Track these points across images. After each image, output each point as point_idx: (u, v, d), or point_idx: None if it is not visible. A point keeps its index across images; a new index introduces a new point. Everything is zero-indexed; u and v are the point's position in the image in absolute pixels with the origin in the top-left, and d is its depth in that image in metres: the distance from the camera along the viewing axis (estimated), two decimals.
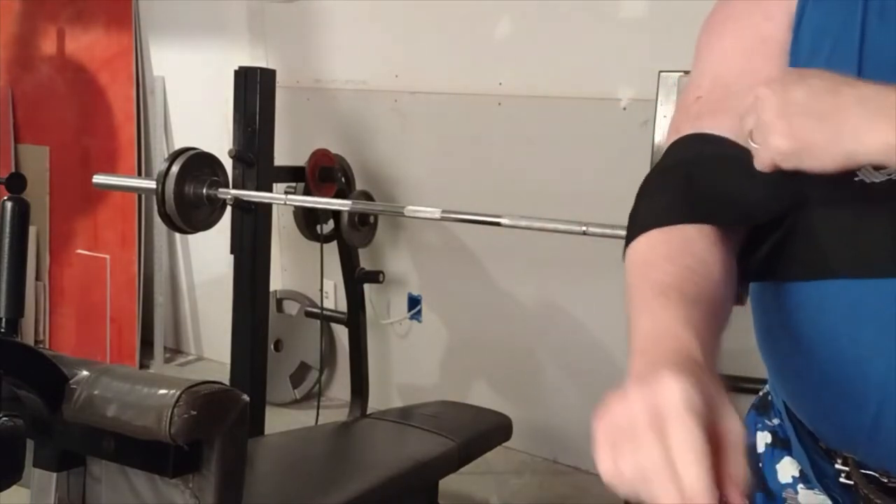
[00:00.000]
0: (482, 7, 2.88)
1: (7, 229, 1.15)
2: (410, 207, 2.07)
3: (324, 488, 1.78)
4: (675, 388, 0.54)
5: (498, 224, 1.83)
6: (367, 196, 2.97)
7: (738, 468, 0.54)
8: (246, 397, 1.04)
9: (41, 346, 3.77)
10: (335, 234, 2.94)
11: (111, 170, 3.58)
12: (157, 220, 3.07)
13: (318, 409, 2.98)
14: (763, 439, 0.90)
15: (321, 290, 3.06)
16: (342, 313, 3.10)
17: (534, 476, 2.89)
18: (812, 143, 0.63)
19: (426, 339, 3.18)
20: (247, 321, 2.52)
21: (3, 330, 1.13)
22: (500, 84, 2.88)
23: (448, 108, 3.00)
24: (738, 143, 0.74)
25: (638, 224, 0.78)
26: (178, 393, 0.97)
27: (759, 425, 0.92)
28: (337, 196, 2.82)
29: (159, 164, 2.60)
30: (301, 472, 1.92)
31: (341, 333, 3.30)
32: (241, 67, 2.54)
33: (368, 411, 2.98)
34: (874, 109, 0.61)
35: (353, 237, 2.93)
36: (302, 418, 3.14)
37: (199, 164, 2.35)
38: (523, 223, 1.77)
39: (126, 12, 3.60)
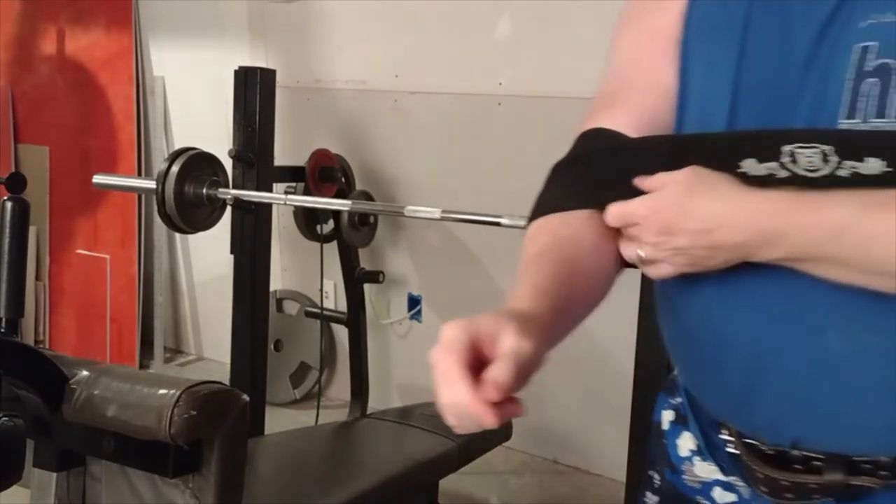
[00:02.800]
0: (482, 7, 2.88)
1: (7, 229, 1.15)
2: (410, 207, 2.07)
3: (324, 488, 1.78)
4: (444, 334, 0.68)
5: (498, 224, 1.83)
6: (367, 196, 2.97)
7: (495, 372, 0.65)
8: (246, 397, 1.04)
9: (41, 346, 3.77)
10: (335, 234, 2.94)
11: (111, 170, 3.58)
12: (157, 220, 3.07)
13: (318, 409, 2.98)
14: (668, 417, 0.97)
15: (321, 290, 3.06)
16: (342, 313, 3.10)
17: (534, 476, 2.89)
18: (708, 262, 0.76)
19: (426, 339, 3.17)
20: (247, 321, 2.52)
21: (3, 330, 1.13)
22: (500, 84, 2.88)
23: (448, 108, 3.00)
24: (627, 133, 0.84)
25: (536, 211, 0.88)
26: (178, 393, 0.96)
27: (665, 404, 0.98)
28: (337, 196, 2.82)
29: (159, 164, 2.60)
30: (301, 472, 1.92)
31: (341, 333, 3.30)
32: (241, 67, 2.54)
33: (368, 411, 2.98)
34: (769, 227, 0.72)
35: (353, 237, 2.93)
36: (302, 418, 3.14)
37: (199, 164, 2.35)
38: (523, 223, 1.77)
39: (126, 12, 3.60)
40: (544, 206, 0.87)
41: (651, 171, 0.77)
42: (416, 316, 3.19)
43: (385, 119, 3.14)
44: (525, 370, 0.68)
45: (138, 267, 3.65)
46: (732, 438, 0.87)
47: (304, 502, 1.72)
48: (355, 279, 2.99)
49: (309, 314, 3.30)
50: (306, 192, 2.77)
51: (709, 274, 0.79)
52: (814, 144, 0.71)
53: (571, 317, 0.80)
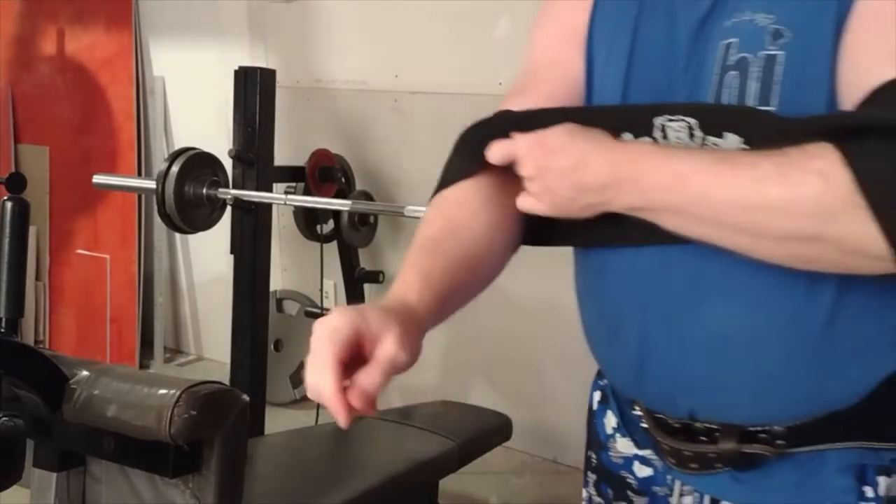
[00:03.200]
0: (482, 7, 2.88)
1: (7, 229, 1.15)
2: (410, 207, 2.07)
3: (324, 488, 1.78)
4: (331, 322, 0.70)
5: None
6: (367, 196, 2.97)
7: (365, 378, 0.69)
8: (246, 397, 1.04)
9: (41, 346, 3.77)
10: (335, 234, 2.94)
11: (111, 170, 3.58)
12: (157, 220, 3.07)
13: (318, 409, 2.98)
14: (596, 398, 1.07)
15: (321, 290, 3.05)
16: None
17: (534, 476, 2.89)
18: (565, 205, 0.80)
19: (426, 339, 3.17)
20: (247, 321, 2.52)
21: (3, 330, 1.13)
22: (500, 84, 2.87)
23: (448, 108, 3.00)
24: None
25: (438, 185, 0.97)
26: (178, 393, 0.96)
27: (595, 386, 1.06)
28: (337, 196, 2.82)
29: (159, 164, 2.60)
30: (301, 472, 1.92)
31: None
32: (241, 67, 2.54)
33: None
34: (623, 174, 0.76)
35: (353, 237, 2.93)
36: (302, 418, 3.13)
37: (199, 164, 2.35)
38: None
39: (126, 12, 3.60)
40: (444, 179, 0.96)
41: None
42: None
43: (385, 119, 3.14)
44: (396, 373, 0.71)
45: (138, 267, 3.65)
46: (642, 413, 0.93)
47: (304, 502, 1.72)
48: (355, 279, 2.99)
49: (309, 314, 3.30)
50: (306, 192, 2.77)
51: (608, 255, 0.88)
52: (680, 117, 0.78)
53: (457, 302, 0.86)
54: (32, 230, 3.75)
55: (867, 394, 0.80)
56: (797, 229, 0.68)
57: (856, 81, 0.71)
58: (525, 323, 2.90)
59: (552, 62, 0.99)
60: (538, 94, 0.97)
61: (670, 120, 0.79)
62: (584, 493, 1.06)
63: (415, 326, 0.76)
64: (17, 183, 1.21)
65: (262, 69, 2.56)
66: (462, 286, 0.85)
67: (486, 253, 0.89)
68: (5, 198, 1.18)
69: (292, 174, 2.78)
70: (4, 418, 0.97)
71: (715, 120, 0.78)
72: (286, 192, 2.73)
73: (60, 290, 3.90)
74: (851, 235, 0.66)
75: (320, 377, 0.68)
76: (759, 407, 0.83)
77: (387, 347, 0.70)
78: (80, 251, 3.80)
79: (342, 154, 2.97)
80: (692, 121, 0.79)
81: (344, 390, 0.68)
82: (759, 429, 0.83)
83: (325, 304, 3.21)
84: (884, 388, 0.81)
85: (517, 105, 0.97)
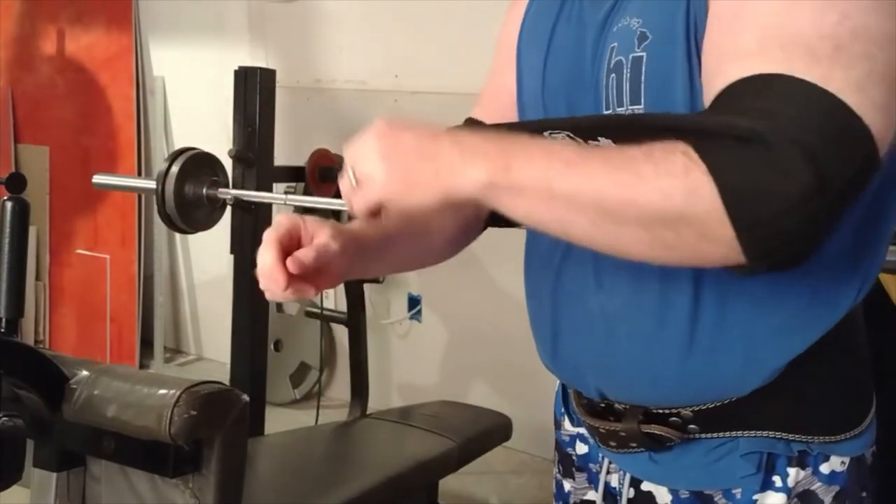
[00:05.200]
0: (482, 7, 2.87)
1: (7, 229, 1.15)
2: None
3: (324, 488, 1.78)
4: (275, 222, 0.83)
5: None
6: None
7: (300, 252, 0.80)
8: (246, 397, 1.04)
9: (41, 346, 3.77)
10: None
11: (111, 170, 3.58)
12: (157, 220, 3.06)
13: (318, 409, 2.98)
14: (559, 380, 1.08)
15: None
16: (342, 313, 3.10)
17: (534, 476, 2.89)
18: (415, 182, 0.70)
19: (426, 339, 3.18)
20: (247, 321, 2.51)
21: (3, 330, 1.13)
22: None
23: (448, 108, 2.99)
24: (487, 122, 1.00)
25: None
26: (178, 393, 0.96)
27: None
28: (337, 196, 2.82)
29: (159, 164, 2.59)
30: (301, 472, 1.92)
31: (341, 333, 3.30)
32: (241, 67, 2.54)
33: (368, 411, 2.98)
34: (469, 151, 0.69)
35: None
36: (302, 418, 3.14)
37: (199, 164, 2.35)
38: None
39: (126, 12, 3.60)
40: None
41: None
42: (416, 316, 3.20)
43: None
44: (328, 267, 0.83)
45: (138, 267, 3.65)
46: (571, 392, 1.00)
47: (304, 502, 1.72)
48: (355, 279, 2.99)
49: (309, 314, 3.30)
50: (306, 192, 2.77)
51: (531, 235, 0.97)
52: (558, 130, 0.78)
53: (394, 257, 0.97)
54: (32, 230, 3.75)
55: (765, 383, 0.83)
56: (664, 206, 0.65)
57: (709, 82, 0.72)
58: (525, 323, 2.89)
59: (493, 75, 1.09)
60: (486, 108, 1.06)
61: (553, 133, 0.78)
62: (554, 471, 1.10)
63: (350, 237, 0.86)
64: (17, 183, 1.21)
65: (262, 69, 2.55)
66: (405, 245, 0.97)
67: (436, 230, 1.01)
68: (5, 198, 1.18)
69: (292, 174, 2.78)
70: (4, 418, 0.97)
71: (587, 129, 0.77)
72: (286, 192, 2.73)
73: (60, 290, 3.91)
74: (707, 218, 0.65)
75: (262, 256, 0.80)
76: (656, 390, 0.87)
77: (320, 236, 0.83)
78: (80, 251, 3.80)
79: (342, 154, 2.96)
80: (566, 133, 0.78)
81: (282, 265, 0.79)
82: (665, 411, 0.87)
83: (326, 304, 3.21)
84: (786, 379, 0.83)
85: (476, 115, 1.06)
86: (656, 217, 0.66)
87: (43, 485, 1.07)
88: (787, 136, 0.63)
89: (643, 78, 0.80)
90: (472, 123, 1.04)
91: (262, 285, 0.82)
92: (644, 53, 0.80)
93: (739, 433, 0.85)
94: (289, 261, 0.79)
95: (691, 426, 0.87)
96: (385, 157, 0.71)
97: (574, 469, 1.03)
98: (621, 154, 0.68)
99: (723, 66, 0.70)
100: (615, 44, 0.83)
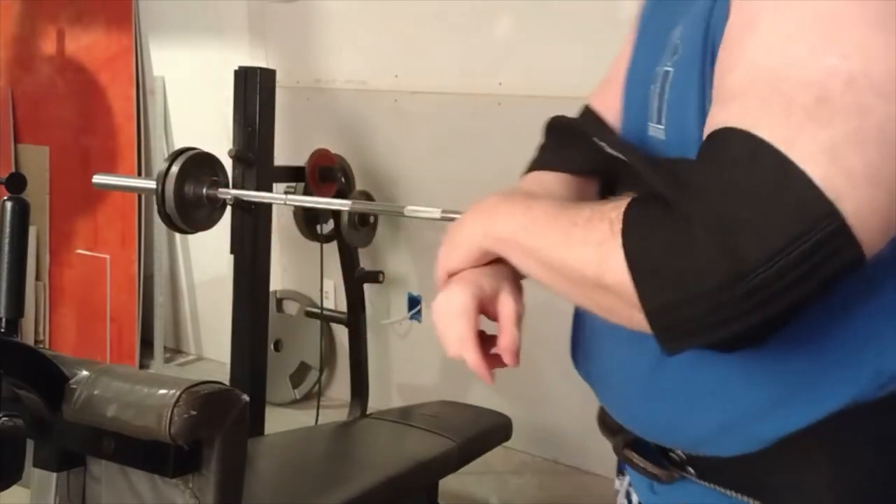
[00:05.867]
0: (482, 7, 2.88)
1: (7, 229, 1.15)
2: (410, 207, 2.07)
3: (324, 488, 1.78)
4: (453, 300, 0.79)
5: None
6: (367, 196, 2.97)
7: (504, 339, 0.78)
8: (246, 397, 1.04)
9: (41, 346, 3.77)
10: (335, 234, 2.94)
11: (111, 170, 3.58)
12: (157, 220, 3.06)
13: (318, 409, 2.98)
14: None
15: (321, 290, 3.06)
16: (342, 313, 3.10)
17: (534, 476, 2.89)
18: (454, 244, 0.82)
19: (426, 339, 3.18)
20: (247, 321, 2.51)
21: (3, 330, 1.13)
22: (500, 84, 2.88)
23: (448, 108, 3.00)
24: (603, 113, 0.96)
25: (529, 166, 1.02)
26: (178, 393, 0.96)
27: None
28: (337, 196, 2.82)
29: (159, 164, 2.59)
30: (301, 472, 1.92)
31: (341, 333, 3.30)
32: (241, 67, 2.54)
33: (368, 411, 2.98)
34: (481, 212, 0.81)
35: (353, 237, 2.93)
36: (302, 418, 3.13)
37: (199, 164, 2.35)
38: None
39: (126, 12, 3.60)
40: (534, 161, 1.02)
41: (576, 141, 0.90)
42: (416, 316, 3.20)
43: (385, 119, 3.14)
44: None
45: (138, 267, 3.65)
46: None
47: (304, 502, 1.72)
48: (355, 279, 2.99)
49: (309, 314, 3.30)
50: (306, 192, 2.77)
51: None
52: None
53: None
54: (32, 230, 3.75)
55: (753, 450, 0.72)
56: (584, 272, 0.66)
57: (707, 120, 0.64)
58: (525, 323, 2.90)
59: (616, 62, 1.00)
60: (605, 93, 1.00)
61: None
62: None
63: (517, 274, 0.82)
64: (17, 183, 1.21)
65: (262, 69, 2.55)
66: None
67: None
68: (5, 198, 1.18)
69: (292, 174, 2.78)
70: (4, 418, 0.97)
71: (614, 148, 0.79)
72: (286, 192, 2.73)
73: (60, 290, 3.90)
74: (621, 290, 0.62)
75: (467, 354, 0.79)
76: (623, 413, 0.84)
77: (508, 304, 0.80)
78: (80, 251, 3.80)
79: (342, 154, 2.97)
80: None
81: (486, 354, 0.79)
82: (660, 445, 0.82)
83: (326, 304, 3.21)
84: (798, 457, 0.72)
85: (594, 102, 1.02)
86: (582, 281, 0.66)
87: (43, 485, 1.08)
88: (711, 216, 0.56)
89: (666, 95, 0.74)
90: (586, 111, 1.02)
91: (455, 354, 0.81)
92: (672, 69, 0.74)
93: (712, 485, 0.77)
94: (506, 357, 0.78)
95: (689, 468, 0.79)
96: (446, 234, 0.84)
97: (621, 474, 0.98)
98: (568, 216, 0.69)
99: (714, 105, 0.63)
100: (665, 53, 0.77)
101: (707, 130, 0.62)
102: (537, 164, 0.99)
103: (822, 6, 0.58)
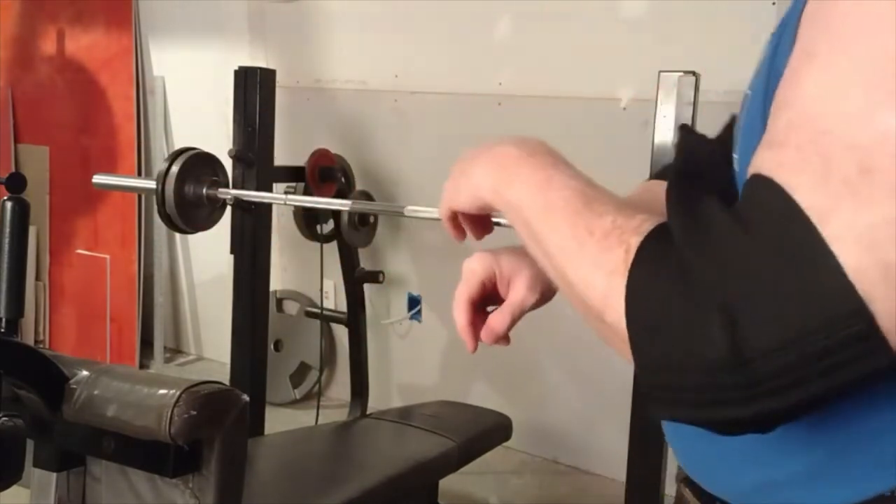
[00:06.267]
0: (482, 7, 2.88)
1: (7, 229, 1.15)
2: (410, 207, 2.07)
3: (324, 488, 1.78)
4: (468, 263, 0.82)
5: (498, 224, 1.84)
6: (367, 196, 2.97)
7: (494, 319, 0.80)
8: (246, 397, 1.04)
9: (41, 346, 3.77)
10: (335, 234, 2.94)
11: (111, 170, 3.58)
12: (157, 220, 3.07)
13: (318, 409, 2.98)
14: None
15: (321, 290, 3.06)
16: (342, 313, 3.10)
17: (534, 476, 2.89)
18: (457, 187, 0.76)
19: (426, 339, 3.18)
20: (247, 321, 2.51)
21: (3, 330, 1.13)
22: (500, 84, 2.88)
23: (448, 108, 3.00)
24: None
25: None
26: (178, 393, 0.96)
27: None
28: (337, 196, 2.82)
29: (159, 164, 2.59)
30: (301, 472, 1.92)
31: (341, 333, 3.30)
32: (241, 67, 2.54)
33: (368, 411, 2.98)
34: (496, 163, 0.71)
35: (353, 237, 2.93)
36: (302, 418, 3.14)
37: (199, 164, 2.35)
38: None
39: (126, 12, 3.60)
40: (658, 171, 0.95)
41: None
42: (416, 316, 3.20)
43: (385, 119, 3.14)
44: (526, 311, 0.81)
45: (138, 267, 3.65)
46: None
47: (303, 502, 1.72)
48: (355, 279, 2.99)
49: (309, 314, 3.30)
50: (306, 192, 2.77)
51: None
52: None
53: None
54: (32, 230, 3.75)
55: None
56: (586, 294, 0.60)
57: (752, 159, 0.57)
58: (525, 323, 2.90)
59: None
60: None
61: None
62: None
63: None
64: (17, 183, 1.21)
65: (262, 69, 2.55)
66: None
67: None
68: (5, 198, 1.18)
69: (292, 174, 2.78)
70: (4, 418, 0.97)
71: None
72: (286, 192, 2.73)
73: (60, 290, 3.91)
74: (618, 329, 0.56)
75: (456, 314, 0.82)
76: (686, 461, 0.76)
77: (516, 291, 0.80)
78: (80, 251, 3.80)
79: (342, 154, 2.97)
80: None
81: (474, 324, 0.81)
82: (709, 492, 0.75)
83: (326, 304, 3.21)
84: None
85: None
86: (584, 304, 0.60)
87: (43, 485, 1.07)
88: (720, 283, 0.49)
89: (741, 122, 0.66)
90: (731, 119, 0.90)
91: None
92: (750, 92, 0.65)
93: None
94: (484, 333, 0.81)
95: None
96: (453, 169, 0.77)
97: None
98: (587, 219, 0.60)
99: (761, 144, 0.54)
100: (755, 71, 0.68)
101: (749, 171, 0.54)
102: (655, 174, 0.94)
103: (888, 43, 0.47)
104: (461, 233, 0.83)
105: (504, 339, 0.82)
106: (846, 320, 0.46)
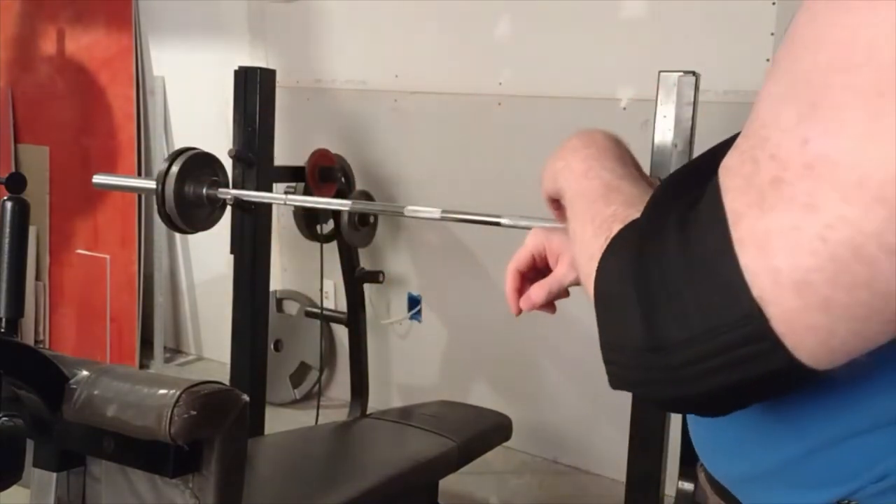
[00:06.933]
0: (482, 7, 2.88)
1: (7, 229, 1.15)
2: (410, 207, 2.06)
3: (324, 488, 1.78)
4: (525, 243, 0.92)
5: (498, 224, 1.83)
6: (367, 196, 2.97)
7: (533, 290, 0.89)
8: (246, 397, 1.04)
9: (41, 346, 3.77)
10: (335, 234, 2.94)
11: (111, 170, 3.58)
12: (157, 220, 3.06)
13: (318, 409, 2.98)
14: None
15: (321, 290, 3.06)
16: (342, 313, 3.10)
17: (534, 476, 2.89)
18: (546, 176, 0.81)
19: (426, 339, 3.18)
20: (247, 321, 2.51)
21: (3, 330, 1.13)
22: (500, 84, 2.88)
23: (448, 108, 3.00)
24: None
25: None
26: (178, 393, 0.96)
27: None
28: (337, 196, 2.82)
29: (159, 164, 2.59)
30: (301, 472, 1.92)
31: (341, 333, 3.30)
32: (241, 67, 2.54)
33: (368, 411, 2.98)
34: (558, 153, 0.78)
35: (353, 237, 2.93)
36: (302, 418, 3.14)
37: (199, 164, 2.34)
38: (523, 223, 1.77)
39: (126, 12, 3.60)
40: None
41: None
42: (416, 316, 3.20)
43: (385, 119, 3.14)
44: (568, 286, 0.88)
45: (138, 267, 3.65)
46: None
47: (304, 502, 1.72)
48: (355, 279, 2.99)
49: (309, 314, 3.30)
50: (306, 192, 2.77)
51: None
52: None
53: None
54: (32, 230, 3.75)
55: None
56: (584, 281, 0.65)
57: None
58: (525, 323, 2.90)
59: None
60: None
61: None
62: None
63: None
64: (17, 183, 1.21)
65: (262, 69, 2.55)
66: None
67: None
68: (5, 198, 1.18)
69: (292, 174, 2.78)
70: (4, 418, 0.97)
71: None
72: (286, 192, 2.73)
73: (60, 290, 3.90)
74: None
75: (506, 281, 0.90)
76: (697, 442, 0.77)
77: (559, 268, 0.88)
78: (80, 251, 3.80)
79: (342, 154, 2.97)
80: None
81: (519, 291, 0.90)
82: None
83: (326, 304, 3.21)
84: None
85: None
86: (584, 284, 0.65)
87: (43, 485, 1.07)
88: (643, 274, 0.53)
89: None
90: None
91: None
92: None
93: None
94: (523, 300, 0.89)
95: None
96: (550, 155, 0.82)
97: None
98: (598, 207, 0.66)
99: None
100: None
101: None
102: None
103: (825, 60, 0.47)
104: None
105: (548, 307, 0.90)
106: (741, 320, 0.48)
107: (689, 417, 0.78)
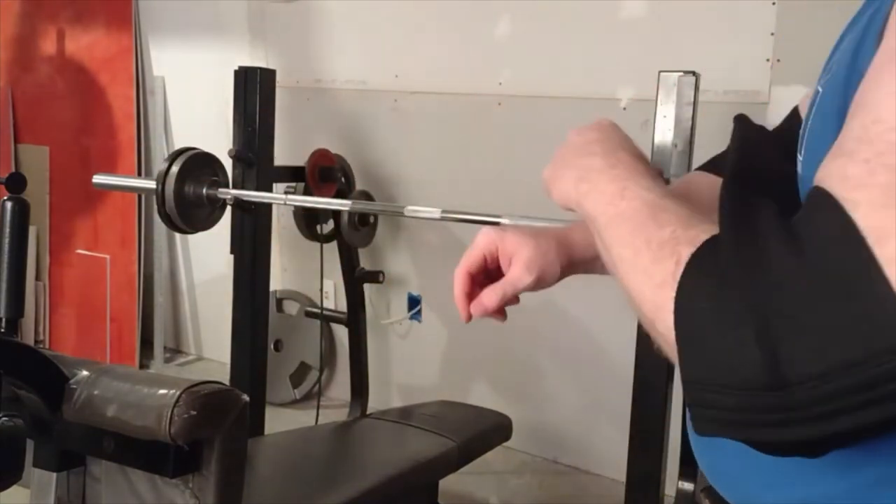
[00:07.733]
0: (482, 7, 2.88)
1: (7, 229, 1.15)
2: (410, 207, 2.07)
3: (324, 488, 1.78)
4: (475, 241, 0.88)
5: (498, 224, 1.83)
6: (367, 196, 2.97)
7: (485, 295, 0.85)
8: (246, 397, 1.04)
9: (41, 346, 3.77)
10: (335, 234, 2.94)
11: (111, 170, 3.58)
12: (157, 220, 3.07)
13: (318, 409, 2.98)
14: None
15: (321, 290, 3.06)
16: (342, 313, 3.10)
17: (534, 476, 2.89)
18: (555, 178, 0.76)
19: (426, 339, 3.18)
20: (247, 321, 2.51)
21: (3, 330, 1.13)
22: (500, 84, 2.88)
23: (448, 108, 3.00)
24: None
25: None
26: (178, 393, 0.96)
27: None
28: (337, 196, 2.82)
29: (159, 164, 2.59)
30: (301, 472, 1.92)
31: (341, 333, 3.30)
32: (241, 67, 2.54)
33: (368, 411, 2.98)
34: (576, 171, 0.73)
35: (353, 237, 2.93)
36: (302, 418, 3.14)
37: (199, 163, 2.35)
38: (523, 223, 1.77)
39: (126, 12, 3.60)
40: (709, 161, 0.97)
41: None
42: (416, 316, 3.19)
43: (385, 119, 3.14)
44: (523, 291, 0.84)
45: (138, 267, 3.65)
46: None
47: (304, 502, 1.72)
48: (355, 279, 2.99)
49: (309, 314, 3.30)
50: (306, 192, 2.77)
51: None
52: None
53: None
54: (32, 230, 3.75)
55: None
56: (639, 302, 0.59)
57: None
58: (525, 323, 2.90)
59: None
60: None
61: None
62: None
63: (560, 253, 0.84)
64: (17, 183, 1.21)
65: (262, 69, 2.55)
66: None
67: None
68: (5, 198, 1.18)
69: (292, 174, 2.78)
70: (4, 418, 0.97)
71: None
72: (286, 192, 2.73)
73: (60, 290, 3.90)
74: (668, 338, 0.55)
75: (455, 284, 0.87)
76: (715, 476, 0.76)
77: (513, 270, 0.84)
78: (80, 251, 3.80)
79: (342, 154, 2.97)
80: None
81: (470, 296, 0.86)
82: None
83: (326, 304, 3.21)
84: None
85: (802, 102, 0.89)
86: (640, 311, 0.60)
87: (43, 485, 1.07)
88: (764, 304, 0.47)
89: (810, 121, 0.64)
90: (792, 111, 0.87)
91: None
92: (822, 89, 0.63)
93: None
94: (473, 305, 0.85)
95: None
96: (555, 156, 0.78)
97: None
98: (648, 230, 0.60)
99: (831, 150, 0.52)
100: (825, 67, 0.66)
101: (815, 179, 0.51)
102: (702, 164, 0.95)
103: None
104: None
105: (498, 314, 0.86)
106: (890, 353, 0.43)
107: (705, 444, 0.73)
